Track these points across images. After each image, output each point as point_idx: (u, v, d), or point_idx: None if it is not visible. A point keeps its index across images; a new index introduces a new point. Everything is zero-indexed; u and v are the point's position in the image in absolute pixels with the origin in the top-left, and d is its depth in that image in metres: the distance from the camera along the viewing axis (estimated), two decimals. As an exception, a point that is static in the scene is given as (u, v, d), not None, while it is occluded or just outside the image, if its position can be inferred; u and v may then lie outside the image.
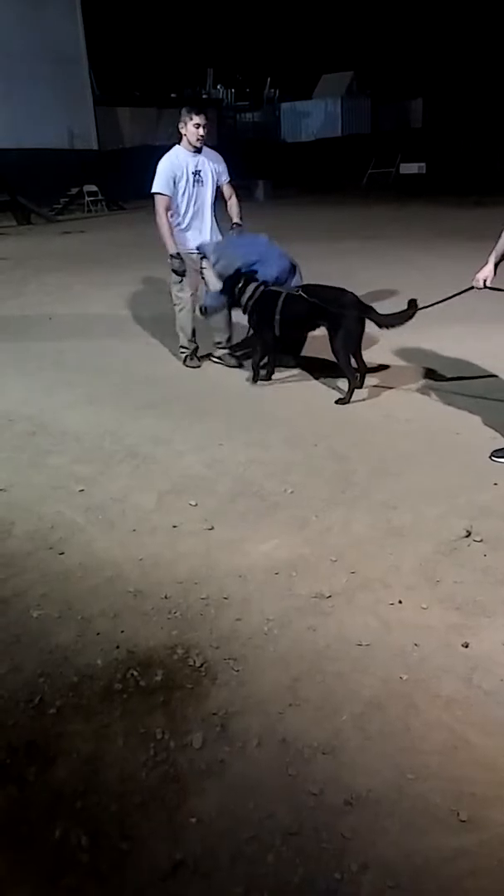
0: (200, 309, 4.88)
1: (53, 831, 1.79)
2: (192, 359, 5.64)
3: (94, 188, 21.34)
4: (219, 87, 36.18)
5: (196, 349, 5.66)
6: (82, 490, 3.59)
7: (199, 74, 35.35)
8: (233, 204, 5.51)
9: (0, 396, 5.10)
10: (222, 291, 5.09)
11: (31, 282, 9.68)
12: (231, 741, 2.03)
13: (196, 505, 3.39)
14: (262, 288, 4.93)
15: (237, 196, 5.55)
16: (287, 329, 4.91)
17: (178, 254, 5.27)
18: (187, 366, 5.64)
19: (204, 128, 5.18)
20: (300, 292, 4.75)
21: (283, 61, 35.15)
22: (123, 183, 22.24)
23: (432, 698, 2.15)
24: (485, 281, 3.65)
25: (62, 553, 3.03)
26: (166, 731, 2.07)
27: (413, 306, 4.52)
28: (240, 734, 2.05)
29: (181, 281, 5.39)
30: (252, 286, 4.93)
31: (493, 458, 3.67)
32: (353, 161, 26.32)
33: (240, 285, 4.97)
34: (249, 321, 5.06)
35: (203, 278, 5.44)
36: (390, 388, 4.86)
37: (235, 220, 5.45)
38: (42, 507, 3.44)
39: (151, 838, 1.76)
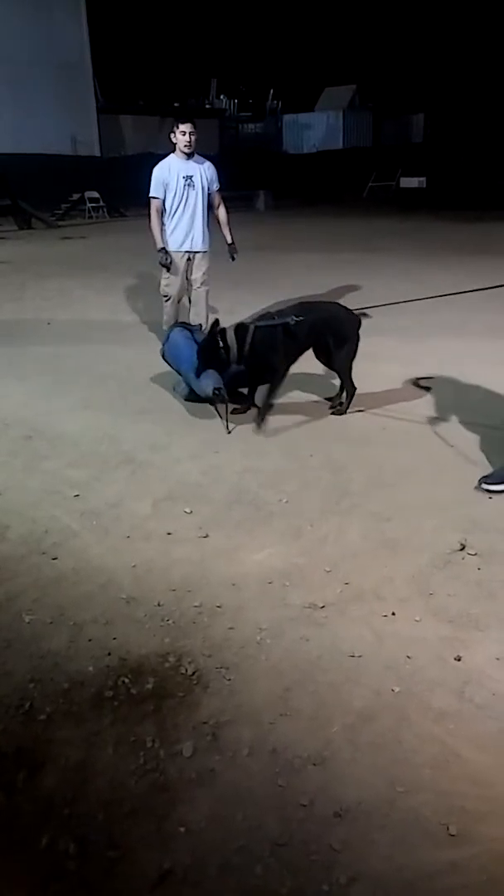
0: (214, 392, 4.41)
1: (41, 838, 1.77)
2: None
3: (95, 195, 21.39)
4: (222, 97, 36.44)
5: None
6: (77, 495, 3.58)
7: (203, 84, 35.61)
8: (222, 217, 5.91)
9: (-3, 400, 5.10)
10: (205, 365, 4.50)
11: (31, 286, 9.69)
12: (222, 750, 2.02)
13: (191, 512, 3.39)
14: (251, 329, 4.40)
15: (226, 207, 5.92)
16: (291, 357, 4.53)
17: (164, 248, 5.75)
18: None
19: (191, 135, 5.57)
20: (295, 319, 4.34)
21: (287, 73, 35.41)
22: (125, 190, 22.34)
23: (424, 711, 2.14)
24: None
25: (55, 558, 3.02)
26: (157, 739, 2.06)
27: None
28: (230, 743, 2.04)
29: (168, 277, 5.86)
30: (231, 335, 4.40)
31: (484, 484, 3.51)
32: (353, 174, 26.51)
33: (221, 346, 4.39)
34: (251, 365, 4.50)
35: (187, 278, 5.89)
36: (387, 400, 4.86)
37: (229, 240, 5.91)
38: (36, 511, 3.43)
39: (140, 847, 1.75)
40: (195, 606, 2.66)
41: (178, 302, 6.00)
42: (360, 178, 26.36)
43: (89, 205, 21.36)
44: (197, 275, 5.90)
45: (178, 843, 1.76)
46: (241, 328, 4.43)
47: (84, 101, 25.20)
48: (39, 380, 5.56)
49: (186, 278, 5.89)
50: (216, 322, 4.50)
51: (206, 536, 3.18)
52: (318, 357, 4.71)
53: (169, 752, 2.01)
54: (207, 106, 34.77)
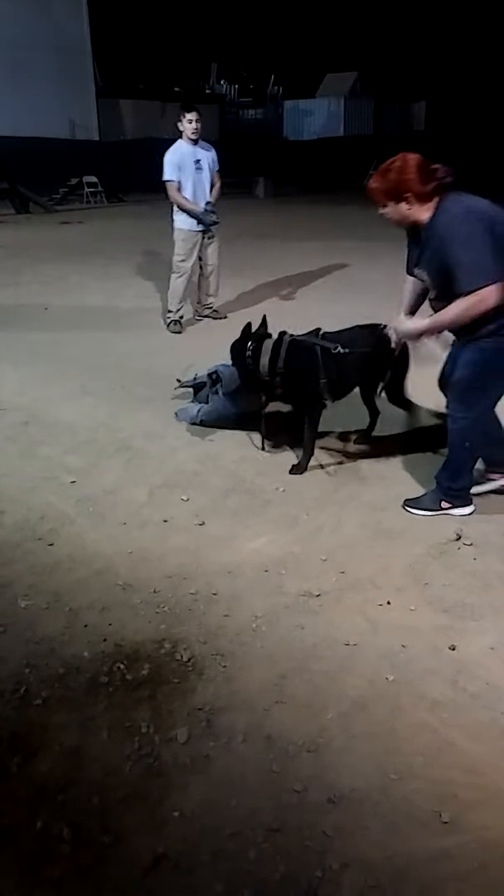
0: (210, 374, 4.01)
1: (35, 823, 1.78)
2: (176, 324, 6.52)
3: (93, 179, 21.27)
4: (222, 82, 36.09)
5: (182, 317, 6.56)
6: (74, 482, 3.58)
7: (203, 69, 35.25)
8: (215, 188, 6.48)
9: (-7, 385, 5.08)
10: (234, 364, 3.91)
11: (28, 271, 9.64)
12: (216, 737, 2.03)
13: (187, 500, 3.39)
14: (287, 339, 3.68)
15: (220, 183, 6.53)
16: (334, 391, 3.67)
17: (204, 209, 6.27)
18: (171, 331, 6.49)
19: (197, 122, 6.13)
20: (342, 350, 3.51)
21: (288, 59, 35.10)
22: (124, 175, 22.19)
23: (418, 700, 2.15)
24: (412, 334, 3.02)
25: (51, 544, 3.02)
26: (151, 724, 2.07)
27: None
28: (225, 730, 2.05)
29: (184, 254, 6.38)
30: (270, 343, 3.69)
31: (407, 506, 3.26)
32: (354, 161, 26.34)
33: (251, 347, 3.70)
34: (284, 388, 3.71)
35: (199, 256, 6.46)
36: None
37: (209, 198, 6.37)
38: (32, 497, 3.42)
39: (133, 832, 1.76)
40: (191, 594, 2.67)
41: (189, 280, 6.51)
42: (361, 165, 26.17)
43: (87, 189, 21.24)
44: (208, 251, 6.50)
45: (172, 828, 1.77)
46: (281, 336, 3.74)
47: (83, 85, 24.95)
48: (36, 366, 5.54)
49: (199, 256, 6.46)
50: (263, 321, 3.90)
51: (203, 524, 3.18)
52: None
53: (164, 738, 2.02)
54: (208, 91, 34.41)
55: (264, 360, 3.64)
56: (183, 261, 6.42)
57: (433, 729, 2.05)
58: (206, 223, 6.30)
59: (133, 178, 22.06)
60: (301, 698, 2.16)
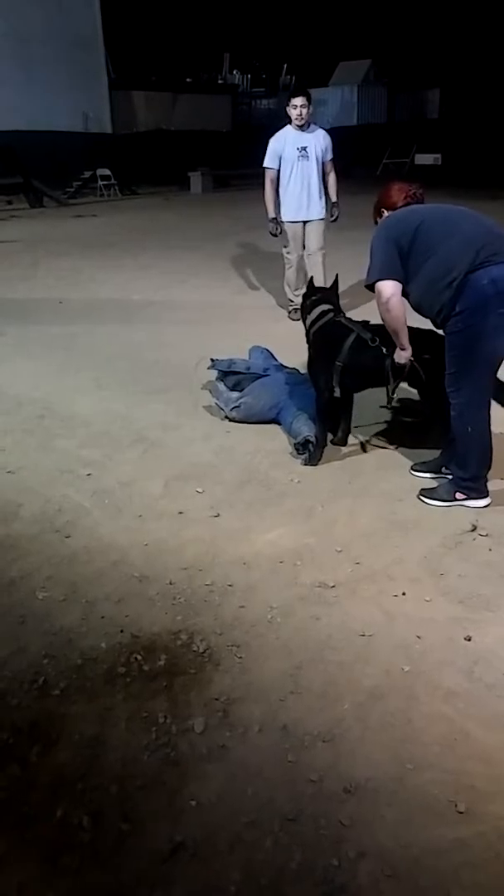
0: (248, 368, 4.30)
1: (55, 811, 1.81)
2: (296, 312, 6.15)
3: (107, 172, 21.20)
4: (235, 72, 35.83)
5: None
6: (90, 474, 3.60)
7: (216, 60, 35.02)
8: (331, 181, 6.31)
9: (9, 379, 5.11)
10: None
11: (43, 265, 9.67)
12: (232, 727, 2.04)
13: (203, 492, 3.40)
14: (330, 315, 3.72)
15: (335, 174, 6.32)
16: (352, 385, 3.65)
17: (275, 218, 6.21)
18: (292, 319, 6.31)
19: (302, 108, 5.97)
20: (377, 340, 3.39)
21: (300, 48, 34.79)
22: (137, 167, 22.12)
23: (433, 690, 2.16)
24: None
25: (68, 536, 3.05)
26: (168, 715, 2.08)
27: None
28: (241, 720, 2.06)
29: (288, 245, 6.33)
30: (319, 310, 3.77)
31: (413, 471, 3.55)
32: (368, 150, 26.11)
33: (310, 300, 3.90)
34: (309, 356, 3.84)
35: (304, 242, 6.32)
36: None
37: (333, 198, 6.35)
38: (49, 490, 3.45)
39: (151, 821, 1.78)
40: (206, 585, 2.68)
41: (299, 269, 6.38)
42: (375, 154, 25.97)
43: (101, 182, 21.18)
44: (311, 242, 6.25)
45: (190, 817, 1.79)
46: (330, 311, 3.78)
47: (96, 78, 24.85)
48: (52, 359, 5.57)
49: (303, 245, 6.29)
50: (336, 280, 4.05)
51: (218, 516, 3.19)
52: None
53: (181, 728, 2.04)
54: (220, 81, 34.24)
55: (308, 319, 3.83)
56: (289, 252, 6.39)
57: (449, 719, 2.05)
58: (271, 232, 6.33)
59: (146, 171, 22.07)
60: (316, 689, 2.17)
